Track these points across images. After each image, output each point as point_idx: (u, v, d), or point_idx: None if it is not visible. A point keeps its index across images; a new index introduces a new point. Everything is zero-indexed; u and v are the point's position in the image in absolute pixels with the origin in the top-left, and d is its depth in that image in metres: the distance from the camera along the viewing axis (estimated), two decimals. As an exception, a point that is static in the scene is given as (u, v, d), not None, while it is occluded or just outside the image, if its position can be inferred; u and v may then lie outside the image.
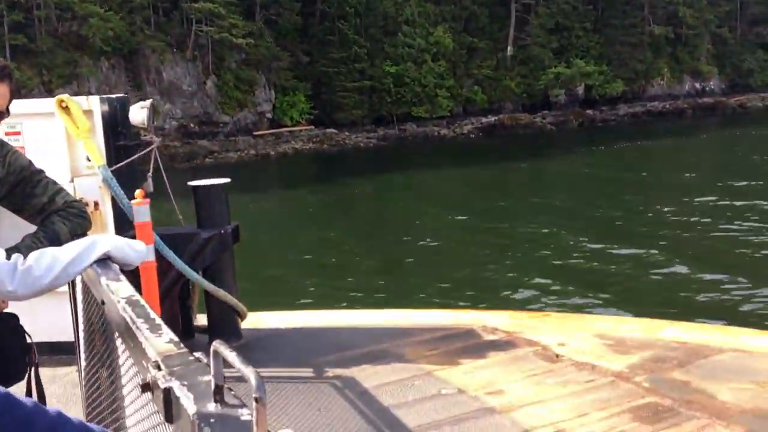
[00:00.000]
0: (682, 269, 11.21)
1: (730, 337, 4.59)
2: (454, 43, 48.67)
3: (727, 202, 16.99)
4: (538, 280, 11.22)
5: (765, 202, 16.42)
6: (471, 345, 4.86)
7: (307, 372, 4.66)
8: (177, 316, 4.94)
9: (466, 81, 49.40)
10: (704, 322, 5.67)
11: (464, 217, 18.17)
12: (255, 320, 5.52)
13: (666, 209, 16.79)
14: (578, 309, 5.23)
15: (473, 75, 49.53)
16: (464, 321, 5.33)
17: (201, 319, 5.28)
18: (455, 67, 48.93)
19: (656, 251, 12.62)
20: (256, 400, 0.92)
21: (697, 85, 54.32)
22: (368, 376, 4.50)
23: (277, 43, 44.17)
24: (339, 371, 4.59)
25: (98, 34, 35.86)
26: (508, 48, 50.24)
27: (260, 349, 5.07)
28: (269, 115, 43.57)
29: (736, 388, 3.93)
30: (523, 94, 50.12)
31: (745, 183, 20.24)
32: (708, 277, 10.58)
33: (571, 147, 35.60)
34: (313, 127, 44.07)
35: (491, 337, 4.96)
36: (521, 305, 9.28)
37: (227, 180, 5.07)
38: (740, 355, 4.31)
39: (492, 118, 47.46)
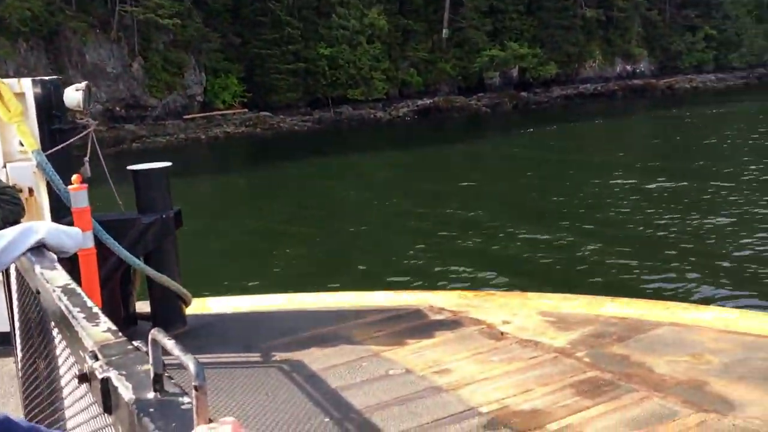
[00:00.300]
0: (616, 248, 11.56)
1: (666, 311, 4.77)
2: (388, 25, 48.56)
3: (655, 183, 17.58)
4: (478, 262, 11.39)
5: (690, 183, 17.05)
6: (418, 325, 4.91)
7: (254, 356, 4.62)
8: (118, 304, 4.82)
9: (402, 63, 49.44)
10: (642, 298, 5.88)
11: (402, 200, 18.27)
12: (200, 306, 5.43)
13: (597, 190, 17.26)
14: (521, 288, 5.34)
15: (409, 57, 49.59)
16: (411, 302, 5.38)
17: (145, 306, 5.17)
18: (390, 49, 48.89)
19: (591, 231, 12.98)
20: (196, 388, 0.90)
21: (628, 68, 55.82)
22: (316, 359, 4.49)
23: (207, 23, 43.10)
24: (286, 355, 4.57)
25: (15, 14, 34.19)
26: (444, 30, 50.45)
27: (206, 334, 5.00)
28: (200, 98, 42.58)
29: (673, 360, 4.08)
30: (459, 77, 50.52)
31: (672, 164, 20.98)
32: (640, 254, 10.95)
33: (506, 129, 36.16)
34: (246, 110, 43.30)
35: (438, 317, 5.02)
36: (463, 287, 9.41)
37: (168, 164, 4.96)
38: (676, 329, 4.47)
39: (428, 101, 47.70)
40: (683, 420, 3.43)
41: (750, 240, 11.34)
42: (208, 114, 41.95)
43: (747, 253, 10.69)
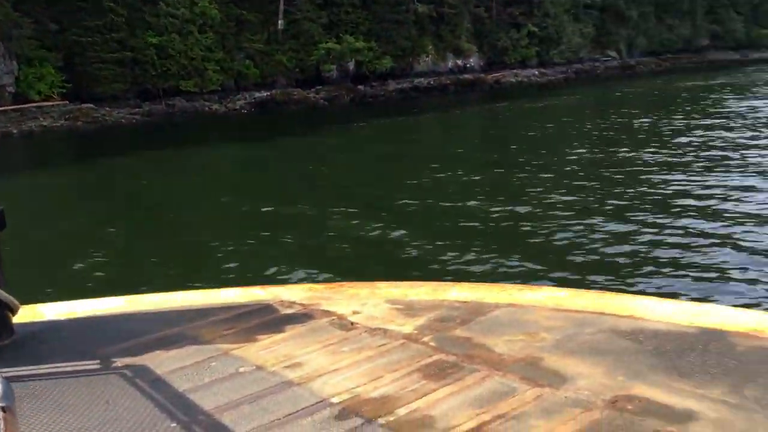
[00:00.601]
0: (454, 235, 12.07)
1: (504, 293, 5.03)
2: (221, 15, 47.35)
3: (486, 174, 18.54)
4: (323, 254, 11.44)
5: (517, 173, 18.14)
6: (268, 320, 4.84)
7: (92, 364, 4.33)
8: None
9: (237, 54, 48.44)
10: (482, 282, 6.18)
11: (239, 196, 17.95)
12: (30, 313, 5.01)
13: (433, 181, 17.91)
14: (369, 279, 5.46)
15: (244, 48, 48.69)
16: (261, 297, 5.28)
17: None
18: (224, 39, 47.73)
19: (429, 220, 13.46)
20: (3, 409, 0.81)
21: (459, 63, 58.32)
22: (161, 362, 4.30)
23: (18, 8, 39.73)
24: (128, 360, 4.33)
25: None
26: (279, 22, 49.99)
27: (37, 344, 4.62)
28: (11, 89, 39.24)
29: (510, 340, 4.30)
30: (296, 69, 50.36)
31: (500, 155, 22.21)
32: (477, 241, 11.52)
33: (343, 122, 36.57)
34: (66, 101, 40.49)
35: (288, 311, 4.97)
36: (312, 280, 9.42)
37: (-15, 160, 4.53)
38: (513, 309, 4.73)
39: (265, 93, 47.11)
40: (521, 396, 3.61)
41: (573, 225, 12.27)
42: (21, 106, 38.77)
43: (571, 236, 11.57)
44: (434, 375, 3.95)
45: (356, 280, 5.51)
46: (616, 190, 15.03)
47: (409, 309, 4.89)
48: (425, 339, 4.41)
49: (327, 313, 4.89)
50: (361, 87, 50.51)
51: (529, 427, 3.27)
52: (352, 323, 4.70)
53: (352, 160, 23.46)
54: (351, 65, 51.32)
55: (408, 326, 4.60)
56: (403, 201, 15.52)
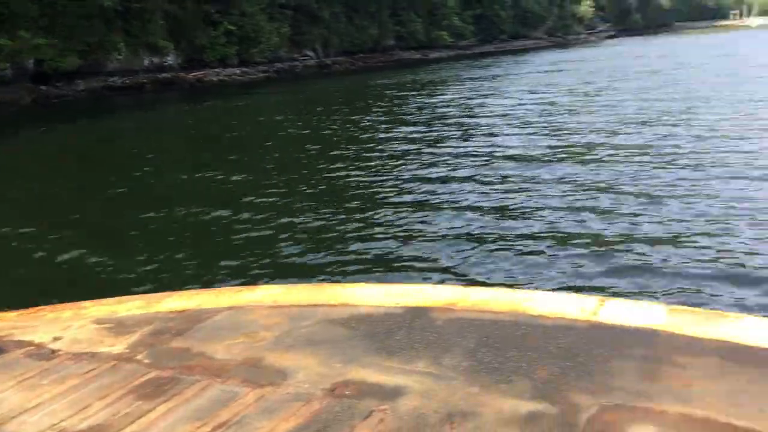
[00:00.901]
0: (156, 242, 11.57)
1: (222, 297, 4.95)
2: None
3: (191, 176, 18.08)
4: (6, 280, 10.20)
5: (224, 174, 17.97)
6: (-55, 362, 4.18)
7: None
8: None
9: None
10: (199, 289, 5.99)
11: None
12: None
13: (131, 187, 16.99)
14: (73, 298, 4.94)
15: None
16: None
17: None
18: None
19: (126, 231, 12.71)
20: None
21: (156, 60, 55.89)
22: None
23: None
24: None
25: None
26: (-66, 15, 43.41)
27: None
28: None
29: (231, 344, 4.25)
30: (-40, 69, 44.19)
31: (205, 156, 21.82)
32: (185, 245, 11.18)
33: (23, 127, 33.04)
34: None
35: (-29, 348, 4.35)
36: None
37: None
38: (233, 312, 4.67)
39: None
40: (243, 399, 3.59)
41: (278, 222, 12.51)
42: None
43: (278, 233, 11.78)
44: (150, 394, 3.75)
45: (59, 302, 4.99)
46: (318, 187, 15.61)
47: (120, 327, 4.57)
48: (139, 357, 4.16)
49: (21, 343, 4.37)
50: (43, 87, 45.97)
51: (252, 430, 3.26)
52: (53, 351, 4.26)
53: (35, 169, 21.16)
54: (30, 63, 46.38)
55: (119, 346, 4.31)
56: (100, 212, 14.38)
